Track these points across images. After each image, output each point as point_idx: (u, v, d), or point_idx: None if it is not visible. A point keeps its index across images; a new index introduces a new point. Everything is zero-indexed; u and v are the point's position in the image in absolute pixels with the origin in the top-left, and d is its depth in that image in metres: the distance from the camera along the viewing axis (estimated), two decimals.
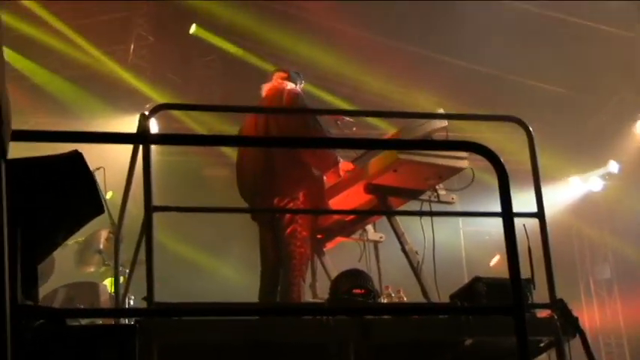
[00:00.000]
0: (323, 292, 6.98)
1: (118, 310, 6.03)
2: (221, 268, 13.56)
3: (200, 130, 13.46)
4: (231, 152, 12.13)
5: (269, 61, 12.67)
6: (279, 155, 7.09)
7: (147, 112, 6.01)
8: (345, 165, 7.28)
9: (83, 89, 13.38)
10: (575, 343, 5.71)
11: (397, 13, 12.88)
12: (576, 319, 5.62)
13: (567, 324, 5.63)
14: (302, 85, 7.71)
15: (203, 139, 3.75)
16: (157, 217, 5.44)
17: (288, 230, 7.00)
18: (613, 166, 15.01)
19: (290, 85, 7.51)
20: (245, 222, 7.51)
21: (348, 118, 7.58)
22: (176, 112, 13.15)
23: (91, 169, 4.74)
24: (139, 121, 6.04)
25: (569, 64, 13.32)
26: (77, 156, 4.18)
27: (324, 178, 7.28)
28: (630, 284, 15.23)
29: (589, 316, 15.35)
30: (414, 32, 13.19)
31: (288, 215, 7.03)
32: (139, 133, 5.85)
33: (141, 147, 5.69)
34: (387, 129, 11.53)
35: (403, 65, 13.74)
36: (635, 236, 14.84)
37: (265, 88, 7.60)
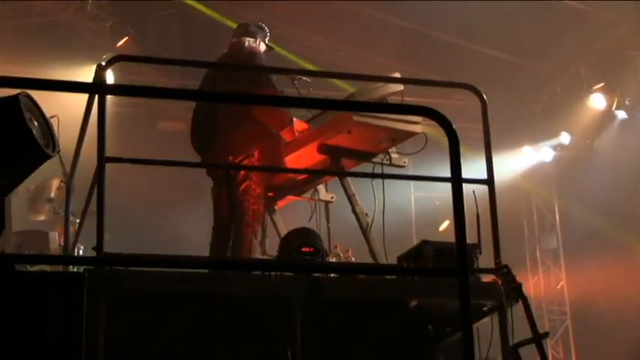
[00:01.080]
0: (272, 249, 7.03)
1: (68, 258, 6.05)
2: (173, 223, 13.53)
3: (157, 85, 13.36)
4: (186, 107, 12.13)
5: (230, 18, 12.61)
6: (234, 112, 7.10)
7: (104, 63, 6.00)
8: (299, 124, 7.30)
9: (41, 38, 13.21)
10: (518, 308, 5.82)
11: None
12: (520, 285, 5.72)
13: (511, 289, 5.73)
14: (267, 37, 7.67)
15: (159, 92, 3.76)
16: (109, 168, 5.45)
17: (242, 187, 7.02)
18: (565, 138, 15.16)
19: (249, 42, 7.50)
20: (199, 177, 7.52)
21: (305, 78, 7.58)
22: (133, 67, 13.07)
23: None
24: (96, 71, 6.03)
25: (527, 34, 13.41)
26: (13, 101, 4.18)
27: (281, 136, 7.29)
28: (576, 255, 15.45)
29: (534, 283, 15.58)
30: None
31: (242, 172, 7.05)
32: (95, 82, 5.83)
33: (96, 97, 5.69)
34: (342, 91, 11.60)
35: (358, 26, 13.77)
36: (583, 208, 15.04)
37: (228, 46, 7.63)
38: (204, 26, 13.46)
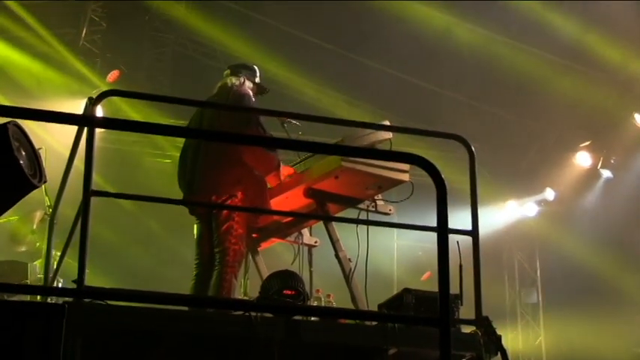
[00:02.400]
0: (254, 290, 7.00)
1: (48, 289, 5.99)
2: (156, 260, 13.49)
3: None
4: (175, 146, 12.16)
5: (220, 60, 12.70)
6: (220, 153, 7.10)
7: (94, 97, 6.00)
8: (285, 169, 7.31)
9: (30, 70, 13.24)
10: None
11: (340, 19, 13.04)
12: (499, 337, 5.70)
13: (490, 342, 5.71)
14: (256, 77, 7.67)
15: (149, 127, 3.77)
16: (93, 202, 5.43)
17: (224, 227, 7.01)
18: (549, 194, 15.24)
19: (232, 82, 7.51)
20: (183, 216, 7.50)
21: (294, 122, 7.61)
22: (122, 104, 13.09)
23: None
24: (86, 104, 6.02)
25: (516, 89, 13.52)
26: (1, 129, 4.18)
27: (266, 179, 7.29)
28: (555, 311, 15.47)
29: (512, 337, 15.58)
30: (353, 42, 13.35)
31: (225, 212, 7.04)
32: (85, 115, 5.84)
33: (85, 130, 5.68)
34: (330, 137, 11.60)
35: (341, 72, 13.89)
36: (565, 265, 15.08)
37: (217, 86, 7.65)
38: (196, 65, 13.53)
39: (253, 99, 7.52)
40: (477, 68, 13.14)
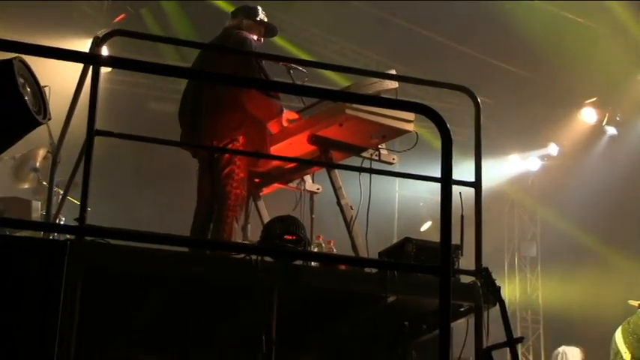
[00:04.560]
0: (255, 235, 7.03)
1: (50, 225, 6.02)
2: (157, 202, 13.52)
3: None
4: (178, 89, 12.11)
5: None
6: (221, 97, 7.06)
7: (100, 37, 5.98)
8: (289, 114, 7.27)
9: (38, 9, 13.16)
10: (494, 311, 5.85)
11: None
12: (498, 288, 5.74)
13: (489, 292, 5.75)
14: (259, 17, 7.57)
15: (153, 67, 3.75)
16: (97, 141, 5.43)
17: (226, 170, 6.99)
18: (553, 149, 15.23)
19: (235, 25, 7.44)
20: (187, 158, 7.50)
21: (300, 68, 7.57)
22: (129, 45, 13.03)
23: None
24: (92, 43, 6.01)
25: (524, 43, 13.45)
26: (6, 65, 4.16)
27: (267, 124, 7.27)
28: (553, 265, 15.55)
29: (510, 289, 15.67)
30: None
31: (226, 155, 7.02)
32: (91, 53, 5.82)
33: (90, 69, 5.67)
34: (336, 86, 11.58)
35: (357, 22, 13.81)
36: (565, 220, 15.12)
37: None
38: (203, 8, 13.44)
39: (256, 38, 7.42)
40: (484, 22, 13.05)
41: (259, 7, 7.62)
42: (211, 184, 7.14)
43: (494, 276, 5.84)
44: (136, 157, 12.82)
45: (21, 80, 4.59)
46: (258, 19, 7.54)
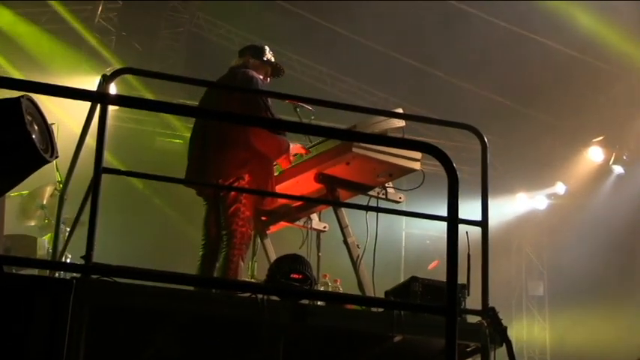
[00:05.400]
0: (261, 274, 7.01)
1: (57, 263, 6.01)
2: (163, 240, 13.52)
3: None
4: (184, 126, 12.16)
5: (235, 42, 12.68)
6: (227, 135, 7.07)
7: (108, 75, 6.00)
8: (296, 148, 7.27)
9: (44, 45, 13.25)
10: (501, 352, 5.81)
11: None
12: (505, 328, 5.70)
13: (495, 332, 5.71)
14: (266, 57, 7.59)
15: (160, 105, 3.77)
16: (104, 180, 5.43)
17: (232, 209, 6.99)
18: (560, 188, 15.21)
19: (242, 64, 7.46)
20: (192, 197, 7.50)
21: (307, 106, 7.59)
22: (136, 83, 13.10)
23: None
24: (100, 81, 6.02)
25: (531, 82, 13.49)
26: (15, 103, 4.18)
27: (274, 162, 7.27)
28: (561, 305, 15.47)
29: (517, 328, 15.59)
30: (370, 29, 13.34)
31: (232, 194, 7.02)
32: (99, 91, 5.84)
33: (98, 107, 5.69)
34: (342, 123, 11.59)
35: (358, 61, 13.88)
36: (572, 259, 15.07)
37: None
38: (211, 46, 13.53)
39: (262, 78, 7.44)
40: (492, 60, 13.10)
41: (267, 47, 7.64)
42: (217, 222, 7.14)
43: (500, 316, 5.81)
44: (144, 194, 12.83)
45: (29, 118, 4.61)
46: (265, 58, 7.56)
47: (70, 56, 13.22)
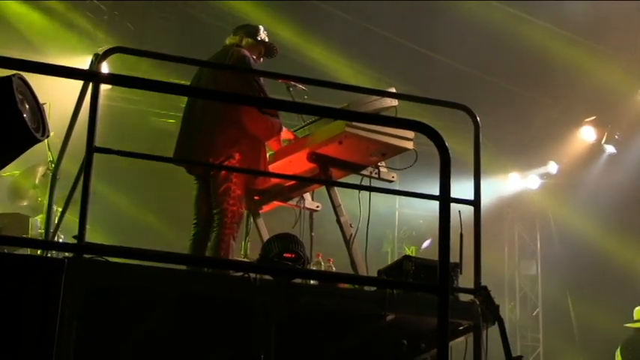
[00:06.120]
0: (254, 253, 7.02)
1: (49, 243, 6.01)
2: (156, 219, 13.51)
3: None
4: (178, 106, 12.12)
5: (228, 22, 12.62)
6: (217, 113, 7.05)
7: (100, 54, 5.98)
8: (285, 133, 7.28)
9: (36, 24, 13.18)
10: (493, 330, 5.83)
11: None
12: (497, 307, 5.72)
13: (488, 311, 5.73)
14: (260, 37, 7.57)
15: (152, 84, 3.77)
16: (96, 159, 5.42)
17: (222, 188, 6.97)
18: (552, 167, 15.24)
19: (236, 43, 7.44)
20: (185, 175, 7.49)
21: (300, 86, 7.57)
22: (128, 62, 13.05)
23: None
24: (92, 60, 6.00)
25: (523, 62, 13.49)
26: (5, 82, 4.17)
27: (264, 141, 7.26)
28: (554, 284, 15.52)
29: (510, 307, 15.65)
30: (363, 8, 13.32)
31: (222, 173, 7.01)
32: (91, 70, 5.82)
33: (90, 86, 5.67)
34: (335, 103, 11.57)
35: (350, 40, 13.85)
36: (565, 237, 15.13)
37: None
38: (203, 27, 13.48)
39: (255, 58, 7.41)
40: (483, 39, 13.08)
41: (261, 27, 7.63)
42: (208, 201, 7.13)
43: (493, 294, 5.82)
44: (136, 173, 12.79)
45: (19, 97, 4.60)
46: (259, 38, 7.55)
47: (62, 36, 13.16)
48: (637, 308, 10.85)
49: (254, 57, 7.41)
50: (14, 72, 4.51)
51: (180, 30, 14.05)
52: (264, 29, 7.64)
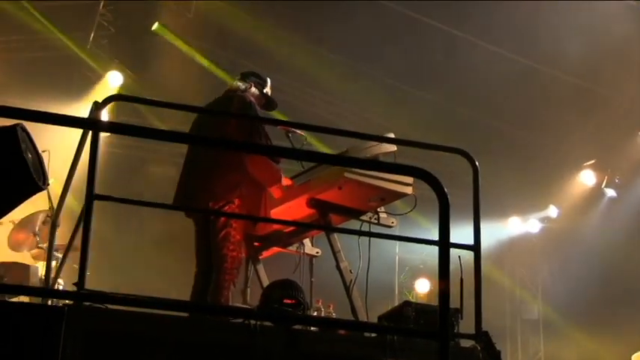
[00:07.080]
0: (254, 299, 7.00)
1: (48, 291, 5.99)
2: (156, 265, 13.49)
3: None
4: (179, 152, 12.13)
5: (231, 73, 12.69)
6: (218, 158, 7.06)
7: (99, 101, 6.01)
8: (284, 181, 7.29)
9: (39, 72, 13.26)
10: None
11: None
12: (498, 352, 5.70)
13: (489, 356, 5.70)
14: (266, 89, 7.64)
15: (153, 133, 3.79)
16: (97, 206, 5.43)
17: (222, 233, 6.97)
18: (552, 211, 15.25)
19: (245, 88, 7.48)
20: (184, 222, 7.49)
21: (299, 132, 7.60)
22: (127, 109, 13.11)
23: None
24: (92, 108, 6.03)
25: (523, 104, 13.54)
26: (11, 130, 4.19)
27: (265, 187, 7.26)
28: (555, 328, 15.46)
29: (512, 352, 15.57)
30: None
31: (222, 218, 7.00)
32: (90, 118, 5.84)
33: (90, 133, 5.69)
34: (333, 149, 11.62)
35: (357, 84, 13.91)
36: (565, 282, 15.08)
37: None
38: (203, 73, 13.55)
39: (258, 108, 7.47)
40: (483, 83, 13.14)
41: (269, 80, 7.70)
42: (207, 246, 7.12)
43: (494, 340, 5.80)
44: (136, 220, 12.80)
45: (23, 146, 4.62)
46: (265, 90, 7.62)
47: (62, 81, 13.24)
48: (634, 355, 10.80)
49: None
50: (16, 121, 4.54)
51: (181, 75, 14.11)
52: (270, 83, 7.72)
